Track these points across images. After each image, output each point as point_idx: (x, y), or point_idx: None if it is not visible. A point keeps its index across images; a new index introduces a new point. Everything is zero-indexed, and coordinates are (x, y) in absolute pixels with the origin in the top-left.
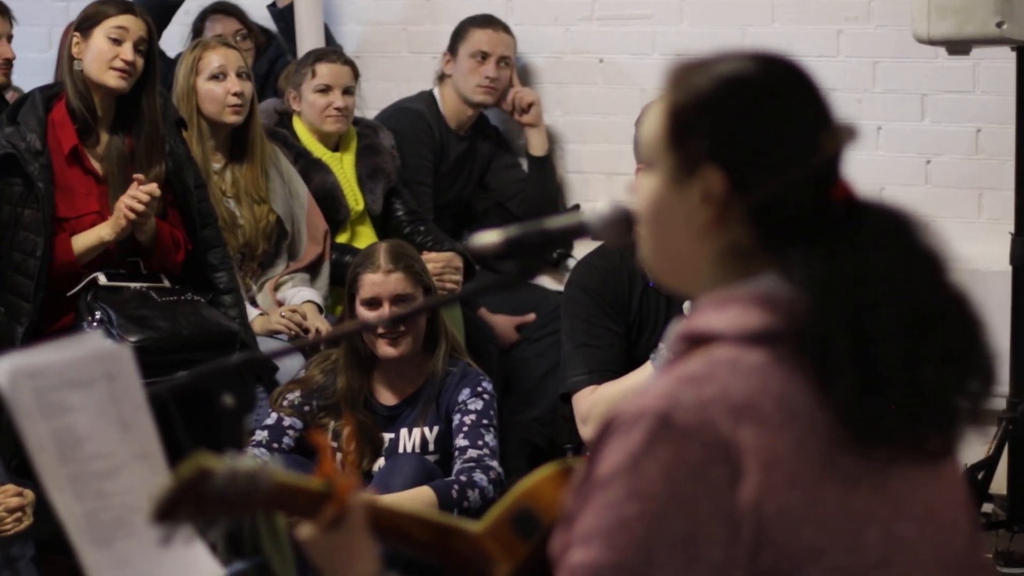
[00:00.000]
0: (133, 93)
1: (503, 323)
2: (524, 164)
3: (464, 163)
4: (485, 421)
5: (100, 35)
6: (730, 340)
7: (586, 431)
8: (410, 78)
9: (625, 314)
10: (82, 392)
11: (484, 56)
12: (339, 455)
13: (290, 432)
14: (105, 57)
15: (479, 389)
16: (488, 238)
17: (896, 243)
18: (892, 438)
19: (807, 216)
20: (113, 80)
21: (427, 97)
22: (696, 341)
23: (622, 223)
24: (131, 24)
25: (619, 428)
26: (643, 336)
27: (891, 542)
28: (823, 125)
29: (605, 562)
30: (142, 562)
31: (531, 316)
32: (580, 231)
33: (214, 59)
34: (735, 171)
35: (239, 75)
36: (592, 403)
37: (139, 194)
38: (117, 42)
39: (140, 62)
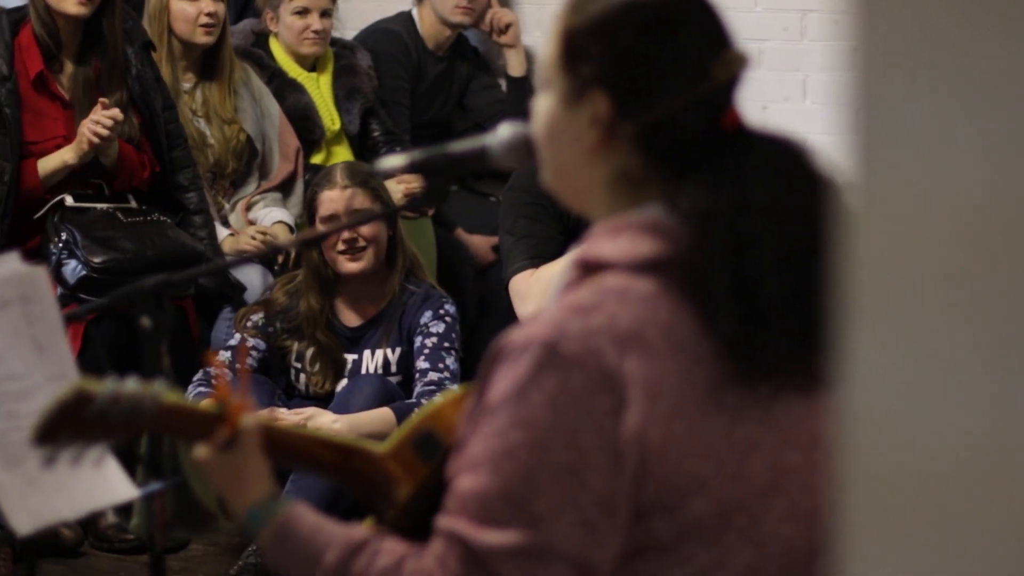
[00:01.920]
0: (97, 17)
1: (479, 243)
2: (503, 85)
3: (442, 84)
4: (447, 344)
5: None
6: (621, 268)
7: (525, 309)
8: None
9: (565, 219)
10: None
11: None
12: (303, 376)
13: (253, 353)
14: None
15: (441, 311)
16: (394, 161)
17: (780, 174)
18: (776, 371)
19: (694, 143)
20: (72, 7)
21: (405, 18)
22: (590, 268)
23: (522, 146)
24: None
25: (508, 356)
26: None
27: (778, 470)
28: (715, 53)
29: (490, 489)
30: (52, 482)
31: None
32: (482, 154)
33: None
34: (621, 95)
35: None
36: (530, 284)
37: (102, 118)
38: None
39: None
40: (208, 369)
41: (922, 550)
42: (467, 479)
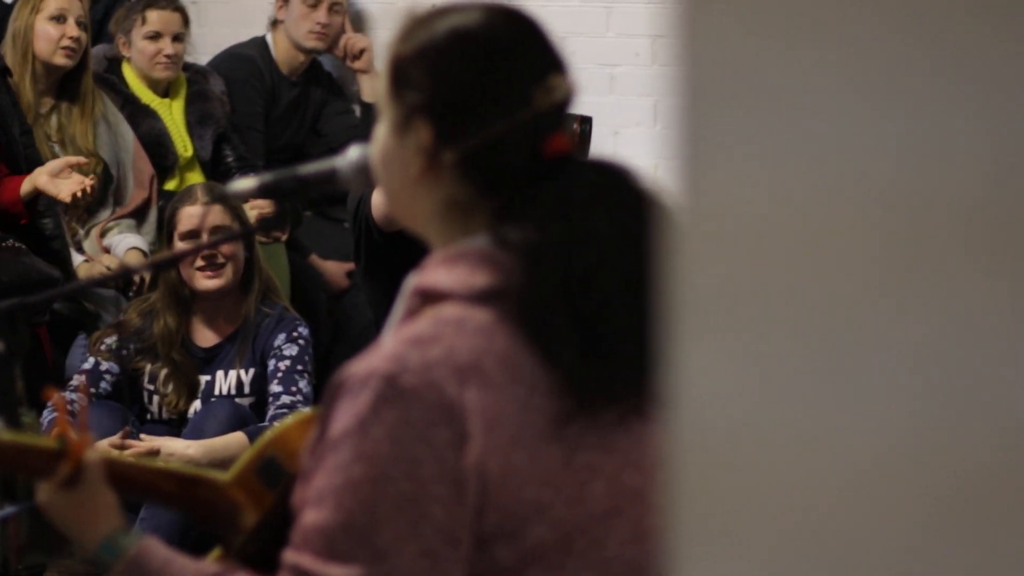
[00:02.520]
0: None
1: (333, 269)
2: (357, 110)
3: (296, 109)
4: (300, 367)
5: None
6: (458, 298)
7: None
8: (249, 23)
9: None
10: None
11: (316, 2)
12: (156, 398)
13: (107, 376)
14: None
15: (295, 334)
16: (244, 183)
17: (608, 202)
18: (619, 399)
19: (517, 172)
20: None
21: (259, 43)
22: (427, 297)
23: (370, 170)
24: None
25: (349, 389)
26: None
27: (619, 493)
28: (536, 79)
29: (334, 523)
30: None
31: None
32: (331, 177)
33: (55, 2)
34: (442, 123)
35: (78, 23)
36: None
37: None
38: None
39: None
40: (64, 394)
41: (751, 562)
42: (311, 513)
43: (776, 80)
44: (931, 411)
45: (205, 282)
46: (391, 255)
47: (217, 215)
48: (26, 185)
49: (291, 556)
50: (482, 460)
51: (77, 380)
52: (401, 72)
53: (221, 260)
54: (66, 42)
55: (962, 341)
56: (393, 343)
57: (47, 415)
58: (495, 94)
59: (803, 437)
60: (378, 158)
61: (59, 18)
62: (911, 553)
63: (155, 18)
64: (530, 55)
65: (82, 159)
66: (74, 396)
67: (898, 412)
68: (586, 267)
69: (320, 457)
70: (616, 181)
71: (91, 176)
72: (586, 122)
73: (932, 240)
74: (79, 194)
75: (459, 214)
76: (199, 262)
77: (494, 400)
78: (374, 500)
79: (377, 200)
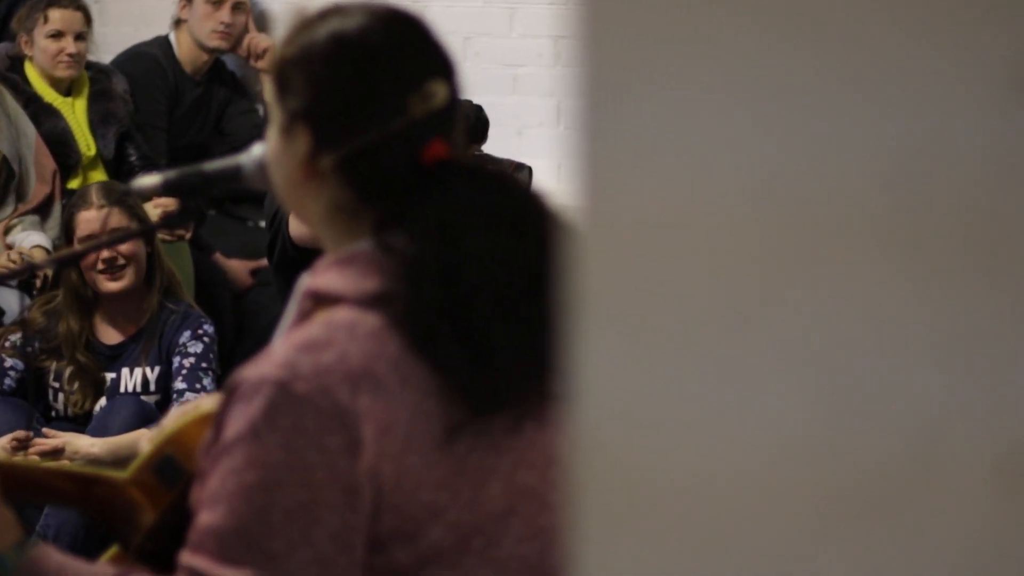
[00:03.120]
0: None
1: (237, 267)
2: (261, 110)
3: (199, 108)
4: (204, 364)
5: None
6: (350, 302)
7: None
8: (151, 22)
9: None
10: None
11: (219, 1)
12: (61, 395)
13: (11, 373)
14: None
15: (200, 332)
16: (148, 180)
17: (489, 211)
18: (509, 406)
19: (394, 179)
20: None
21: (162, 42)
22: (319, 300)
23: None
24: None
25: (242, 395)
26: None
27: (514, 492)
28: (413, 86)
29: (227, 527)
30: None
31: (266, 261)
32: (236, 174)
33: None
34: (319, 129)
35: None
36: None
37: None
38: None
39: None
40: None
41: (649, 558)
42: (206, 516)
43: (674, 80)
44: (826, 409)
45: (107, 284)
46: (299, 249)
47: (115, 218)
48: None
49: (186, 558)
50: (376, 466)
51: None
52: (284, 76)
53: (122, 262)
54: None
55: (858, 339)
56: (285, 348)
57: None
58: (369, 101)
59: (700, 434)
60: (270, 160)
61: None
62: (805, 550)
63: (57, 17)
64: (408, 61)
65: None
66: None
67: (794, 410)
68: (470, 286)
69: (215, 459)
70: (496, 187)
71: None
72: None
73: (828, 236)
74: None
75: (344, 218)
76: (99, 264)
77: (387, 406)
78: (267, 506)
79: (295, 221)
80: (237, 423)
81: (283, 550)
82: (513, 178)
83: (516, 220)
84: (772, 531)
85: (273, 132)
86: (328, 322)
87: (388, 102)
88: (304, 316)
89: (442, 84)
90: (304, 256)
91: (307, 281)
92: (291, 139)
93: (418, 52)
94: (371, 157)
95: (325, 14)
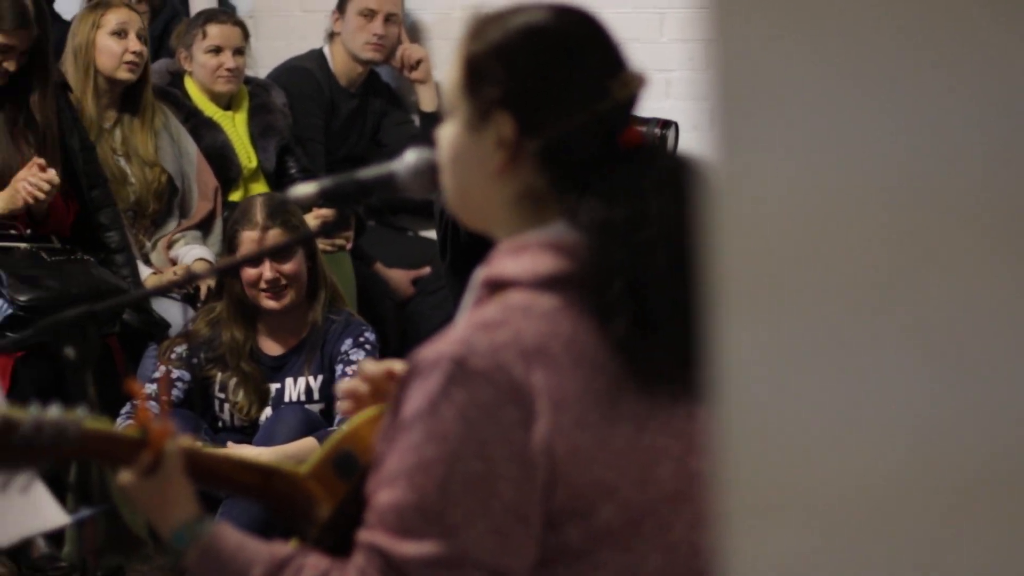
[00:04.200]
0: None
1: (399, 277)
2: (416, 120)
3: (355, 120)
4: None
5: None
6: (524, 285)
7: None
8: (303, 36)
9: None
10: None
11: (371, 13)
12: (227, 406)
13: (178, 384)
14: None
15: (361, 339)
16: (304, 189)
17: (674, 188)
18: (669, 376)
19: (593, 161)
20: None
21: (317, 55)
22: (495, 286)
23: (428, 171)
24: (17, 42)
25: (420, 372)
26: None
27: (684, 476)
28: (612, 73)
29: (407, 502)
30: None
31: (427, 269)
32: (390, 181)
33: (115, 17)
34: (524, 116)
35: (139, 37)
36: None
37: (40, 182)
38: (2, 52)
39: (23, 62)
40: (134, 401)
41: (796, 545)
42: (385, 493)
43: (806, 79)
44: (962, 397)
45: (269, 303)
46: (477, 251)
47: (277, 238)
48: None
49: (365, 535)
50: (550, 440)
51: (151, 387)
52: (476, 69)
53: (284, 283)
54: (129, 57)
55: (992, 328)
56: (462, 328)
57: (121, 421)
58: (575, 85)
59: (838, 423)
60: (449, 158)
61: (120, 33)
62: (944, 534)
63: (216, 32)
64: (604, 49)
65: (42, 160)
66: (150, 404)
67: (930, 398)
68: (647, 244)
69: (392, 439)
70: (685, 171)
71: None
72: (668, 126)
73: (963, 229)
74: (37, 193)
75: (532, 204)
76: (262, 284)
77: (560, 381)
78: (445, 479)
79: None
80: (415, 400)
81: (461, 522)
82: (694, 163)
83: (694, 199)
84: (911, 517)
85: (455, 128)
86: (503, 304)
87: (592, 86)
88: (480, 303)
89: (634, 73)
90: (477, 240)
91: (482, 271)
92: (485, 129)
93: (610, 42)
94: (574, 141)
95: (510, 11)
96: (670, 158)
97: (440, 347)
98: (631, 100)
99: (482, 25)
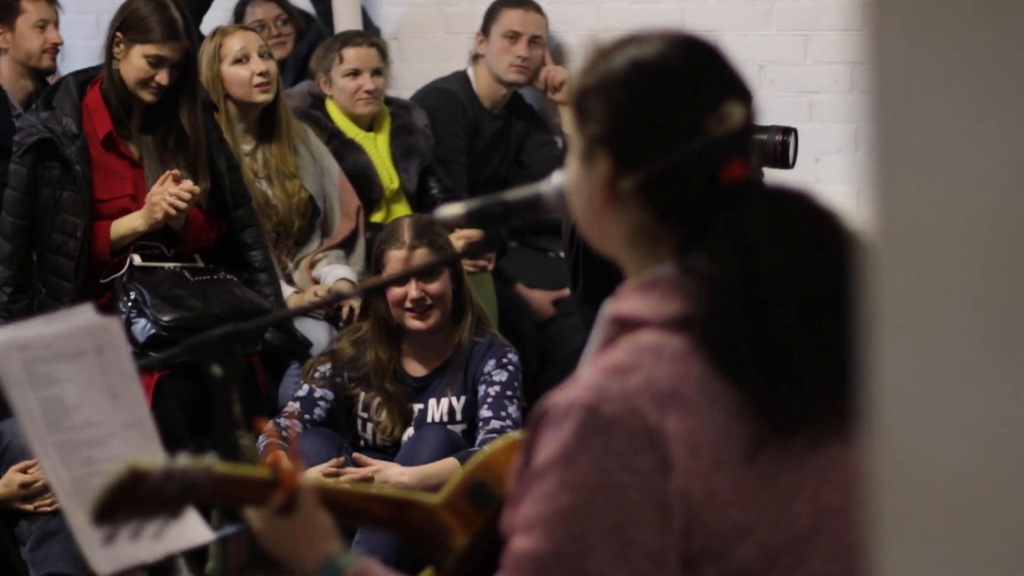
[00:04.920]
0: (170, 94)
1: (539, 298)
2: (559, 141)
3: (499, 141)
4: (509, 392)
5: (139, 53)
6: (654, 325)
7: None
8: (447, 58)
9: None
10: (72, 364)
11: (515, 36)
12: (369, 425)
13: (321, 403)
14: (140, 76)
15: (504, 360)
16: (451, 210)
17: (788, 229)
18: (809, 424)
19: (694, 199)
20: (146, 96)
21: (461, 77)
22: (623, 325)
23: None
24: (171, 52)
25: (552, 420)
26: None
27: (819, 511)
28: (710, 107)
29: (543, 551)
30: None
31: (567, 291)
32: (537, 202)
33: (235, 43)
34: (620, 153)
35: (261, 55)
36: None
37: (180, 192)
38: (154, 65)
39: (175, 75)
40: (278, 420)
41: (954, 563)
42: (521, 540)
43: (960, 100)
44: None
45: (414, 323)
46: (606, 276)
47: (424, 258)
48: (122, 227)
49: None
50: (686, 484)
51: (291, 407)
52: (583, 104)
53: (429, 302)
54: (257, 79)
55: None
56: (592, 372)
57: (263, 440)
58: (668, 123)
59: (997, 442)
60: (570, 187)
61: (242, 60)
62: None
63: (353, 55)
64: (704, 82)
65: (176, 172)
66: (287, 423)
67: None
68: (768, 300)
69: (526, 485)
70: (795, 207)
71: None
72: (788, 133)
73: None
74: (176, 202)
75: (645, 241)
76: (407, 304)
77: (694, 425)
78: (583, 528)
79: None
80: (548, 448)
81: (600, 570)
82: (811, 195)
83: (813, 236)
84: None
85: (573, 160)
86: (634, 346)
87: (686, 123)
88: (609, 342)
89: (738, 105)
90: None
91: (610, 308)
92: (591, 166)
93: (714, 74)
94: (671, 179)
95: (622, 43)
96: (775, 194)
97: (572, 393)
98: (731, 135)
99: (595, 57)
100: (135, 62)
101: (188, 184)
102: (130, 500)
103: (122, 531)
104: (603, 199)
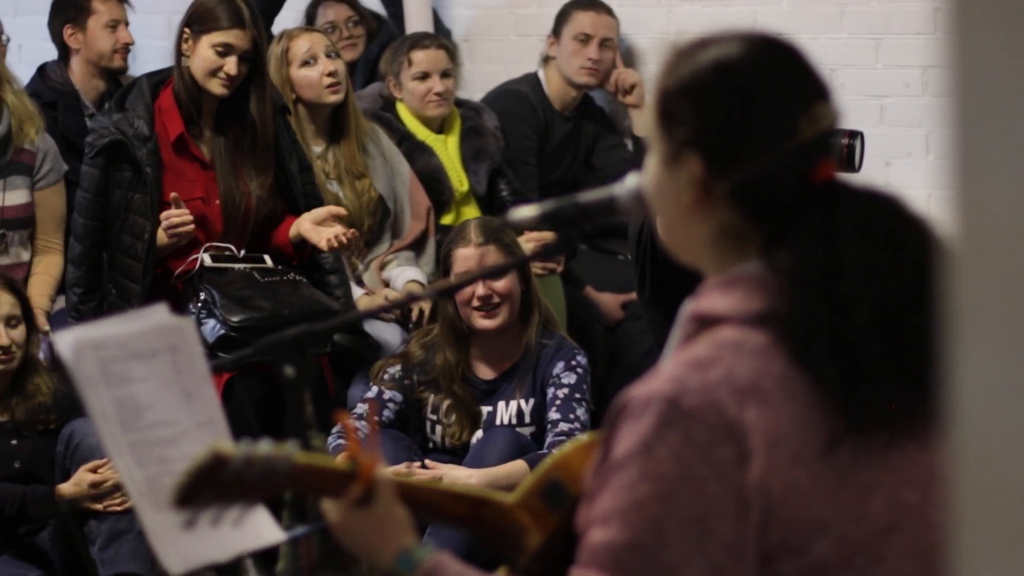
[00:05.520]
0: (240, 90)
1: (608, 301)
2: (630, 144)
3: (569, 144)
4: (578, 395)
5: (206, 44)
6: (735, 322)
7: None
8: (518, 60)
9: None
10: (146, 363)
11: (587, 38)
12: (439, 428)
13: (390, 405)
14: (209, 66)
15: (573, 363)
16: (525, 212)
17: (873, 230)
18: (887, 424)
19: (786, 199)
20: (216, 88)
21: (531, 79)
22: (704, 322)
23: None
24: (237, 40)
25: (631, 412)
26: None
27: (897, 509)
28: (802, 109)
29: (621, 541)
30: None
31: (635, 294)
32: (610, 205)
33: (302, 45)
34: (712, 156)
35: (328, 55)
36: None
37: (174, 219)
38: (222, 55)
39: (244, 68)
40: (355, 420)
41: None
42: (598, 532)
43: None
44: None
45: (482, 321)
46: (674, 279)
47: (491, 255)
48: (292, 230)
49: (578, 574)
50: (764, 478)
51: (362, 408)
52: (668, 107)
53: (496, 300)
54: (327, 80)
55: None
56: (673, 366)
57: (334, 440)
58: (762, 125)
59: None
60: (651, 190)
61: (310, 61)
62: None
63: (421, 58)
64: (794, 84)
65: (343, 210)
66: (360, 424)
67: None
68: (849, 297)
69: (604, 478)
70: (882, 209)
71: (351, 230)
72: (854, 136)
73: None
74: (336, 243)
75: (731, 241)
76: (475, 302)
77: (774, 419)
78: (661, 518)
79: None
80: (627, 439)
81: (678, 562)
82: (898, 197)
83: (897, 237)
84: None
85: (654, 163)
86: (714, 341)
87: (779, 125)
88: (688, 339)
89: (827, 106)
90: (674, 265)
91: (691, 306)
92: (677, 168)
93: (801, 74)
94: (764, 180)
95: (702, 44)
96: (865, 195)
97: (652, 386)
98: (822, 135)
99: (676, 59)
100: (203, 53)
101: (183, 214)
102: (212, 484)
103: (202, 517)
104: (692, 201)
